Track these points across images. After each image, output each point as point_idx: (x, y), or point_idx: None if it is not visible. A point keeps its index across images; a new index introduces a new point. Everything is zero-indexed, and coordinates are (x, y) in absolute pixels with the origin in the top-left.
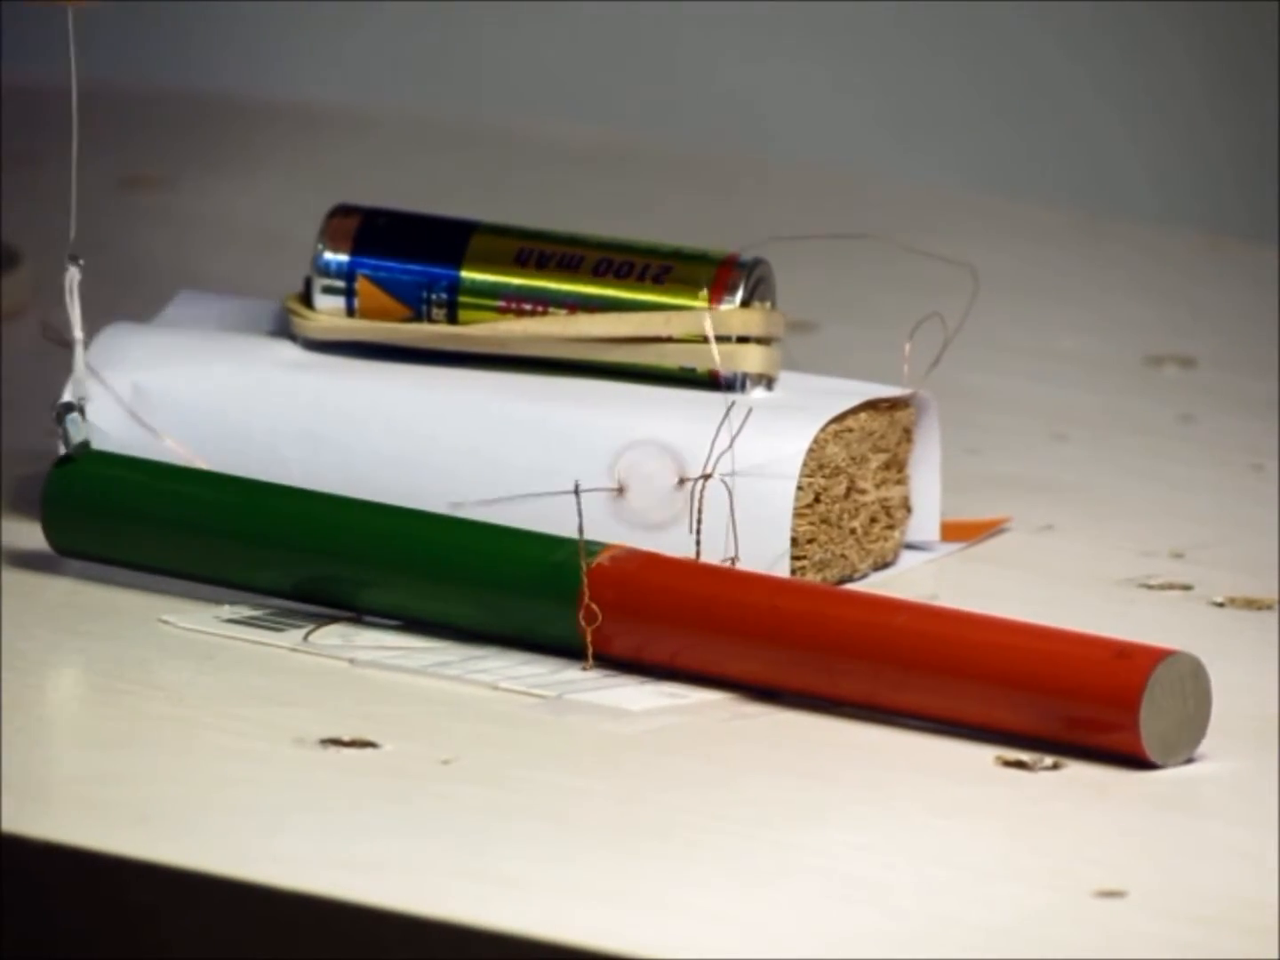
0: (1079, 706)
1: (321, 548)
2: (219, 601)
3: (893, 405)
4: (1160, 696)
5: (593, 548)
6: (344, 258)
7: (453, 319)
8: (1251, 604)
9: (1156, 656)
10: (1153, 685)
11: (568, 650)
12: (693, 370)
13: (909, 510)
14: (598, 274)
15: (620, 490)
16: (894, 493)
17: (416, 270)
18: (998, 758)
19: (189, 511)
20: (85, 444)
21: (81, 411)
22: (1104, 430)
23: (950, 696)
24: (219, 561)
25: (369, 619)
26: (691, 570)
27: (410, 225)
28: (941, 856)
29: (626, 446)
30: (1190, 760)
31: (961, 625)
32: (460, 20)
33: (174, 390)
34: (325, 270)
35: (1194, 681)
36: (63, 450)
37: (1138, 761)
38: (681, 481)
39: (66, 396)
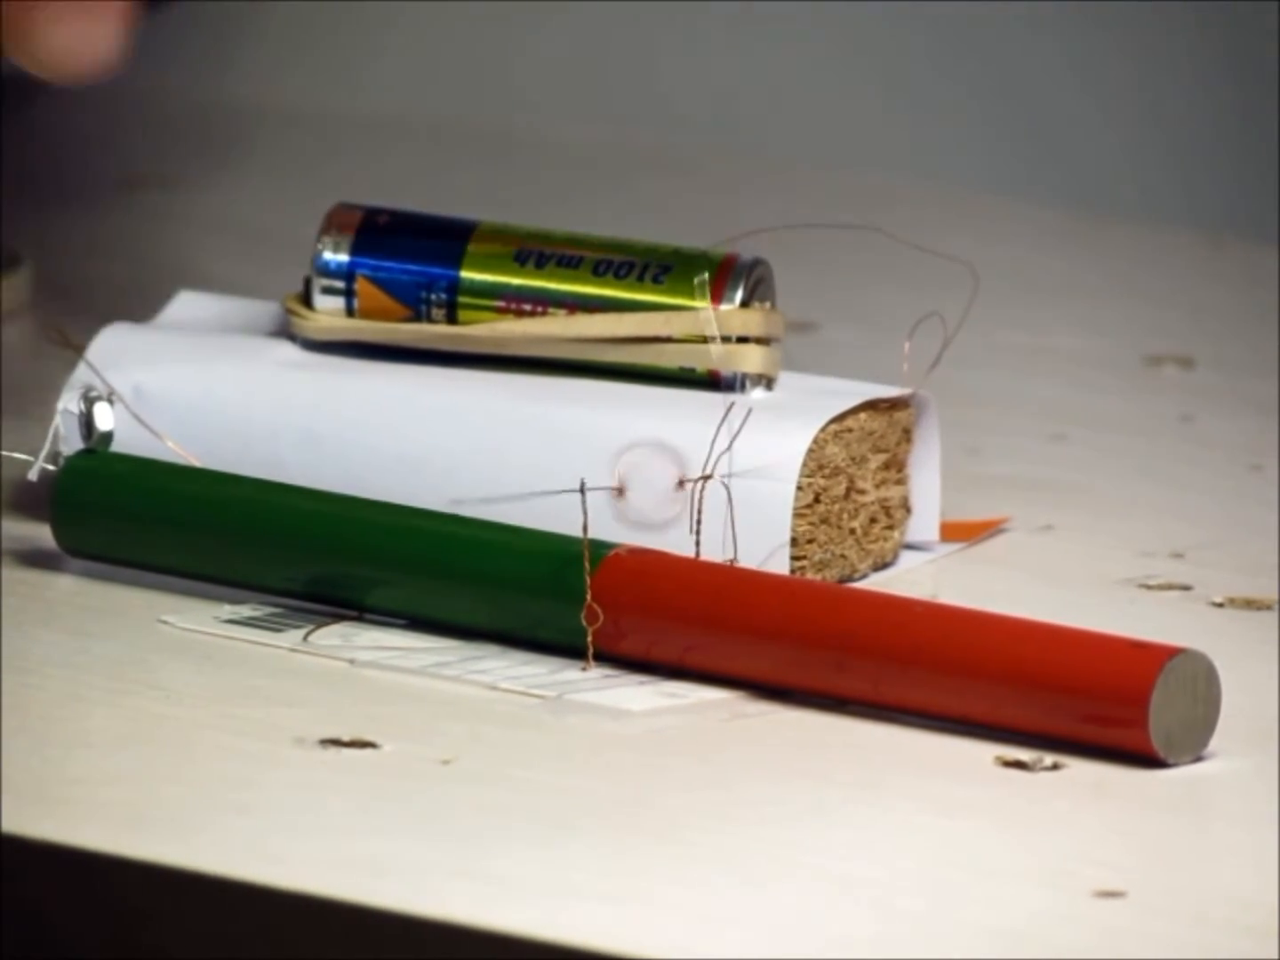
0: (1094, 684)
1: (329, 547)
2: (219, 602)
3: (892, 405)
4: (1173, 686)
5: (599, 547)
6: (344, 257)
7: (452, 319)
8: (1251, 604)
9: (1174, 649)
10: (1168, 673)
11: (576, 650)
12: (692, 370)
13: (908, 510)
14: (597, 274)
15: (620, 490)
16: (893, 493)
17: (416, 270)
18: (997, 757)
19: (200, 512)
20: (109, 436)
21: (109, 401)
22: (1104, 430)
23: (964, 691)
24: (228, 562)
25: (369, 619)
26: (704, 568)
27: (410, 225)
28: (941, 856)
29: (626, 446)
30: (1191, 761)
31: (974, 621)
32: (460, 20)
33: (174, 390)
34: (325, 270)
35: (1206, 686)
36: (82, 443)
37: (1138, 759)
38: (681, 482)
39: (92, 391)
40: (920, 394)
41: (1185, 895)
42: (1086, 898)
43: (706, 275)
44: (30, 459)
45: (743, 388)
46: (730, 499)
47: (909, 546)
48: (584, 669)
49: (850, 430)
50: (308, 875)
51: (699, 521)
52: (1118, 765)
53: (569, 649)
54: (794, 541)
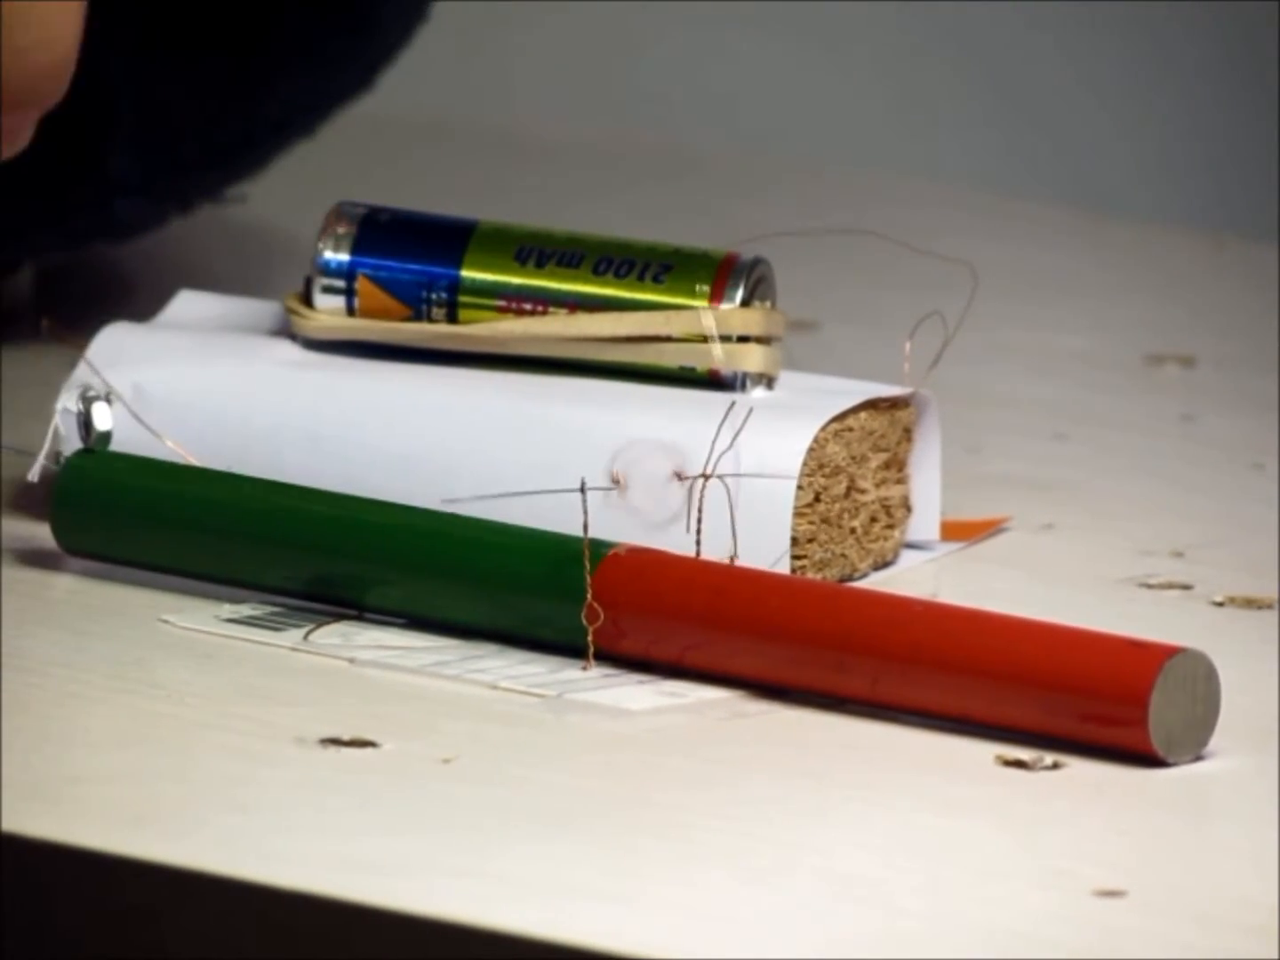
0: (1093, 684)
1: (329, 546)
2: (219, 601)
3: (893, 404)
4: (1173, 685)
5: (599, 546)
6: (344, 257)
7: (453, 318)
8: (1251, 603)
9: (1173, 649)
10: (1167, 672)
11: (576, 649)
12: (693, 370)
13: (909, 509)
14: (597, 273)
15: (620, 489)
16: (894, 492)
17: (416, 269)
18: (998, 757)
19: (201, 511)
20: (108, 436)
21: (108, 401)
22: (1104, 430)
23: (964, 690)
24: (228, 561)
25: (369, 618)
26: (704, 567)
27: (410, 224)
28: (941, 856)
29: (626, 445)
30: (1191, 760)
31: (974, 620)
32: (459, 20)
33: (174, 390)
34: (325, 269)
35: (1205, 685)
36: (81, 442)
37: (1138, 758)
38: (681, 480)
39: (90, 391)
40: (921, 393)
41: (1185, 895)
42: (1086, 897)
43: (707, 287)
44: (30, 455)
45: (743, 387)
46: (731, 498)
47: (909, 545)
48: (584, 668)
49: (851, 429)
50: (307, 874)
51: (699, 520)
52: (1118, 764)
53: (569, 648)
54: (795, 540)
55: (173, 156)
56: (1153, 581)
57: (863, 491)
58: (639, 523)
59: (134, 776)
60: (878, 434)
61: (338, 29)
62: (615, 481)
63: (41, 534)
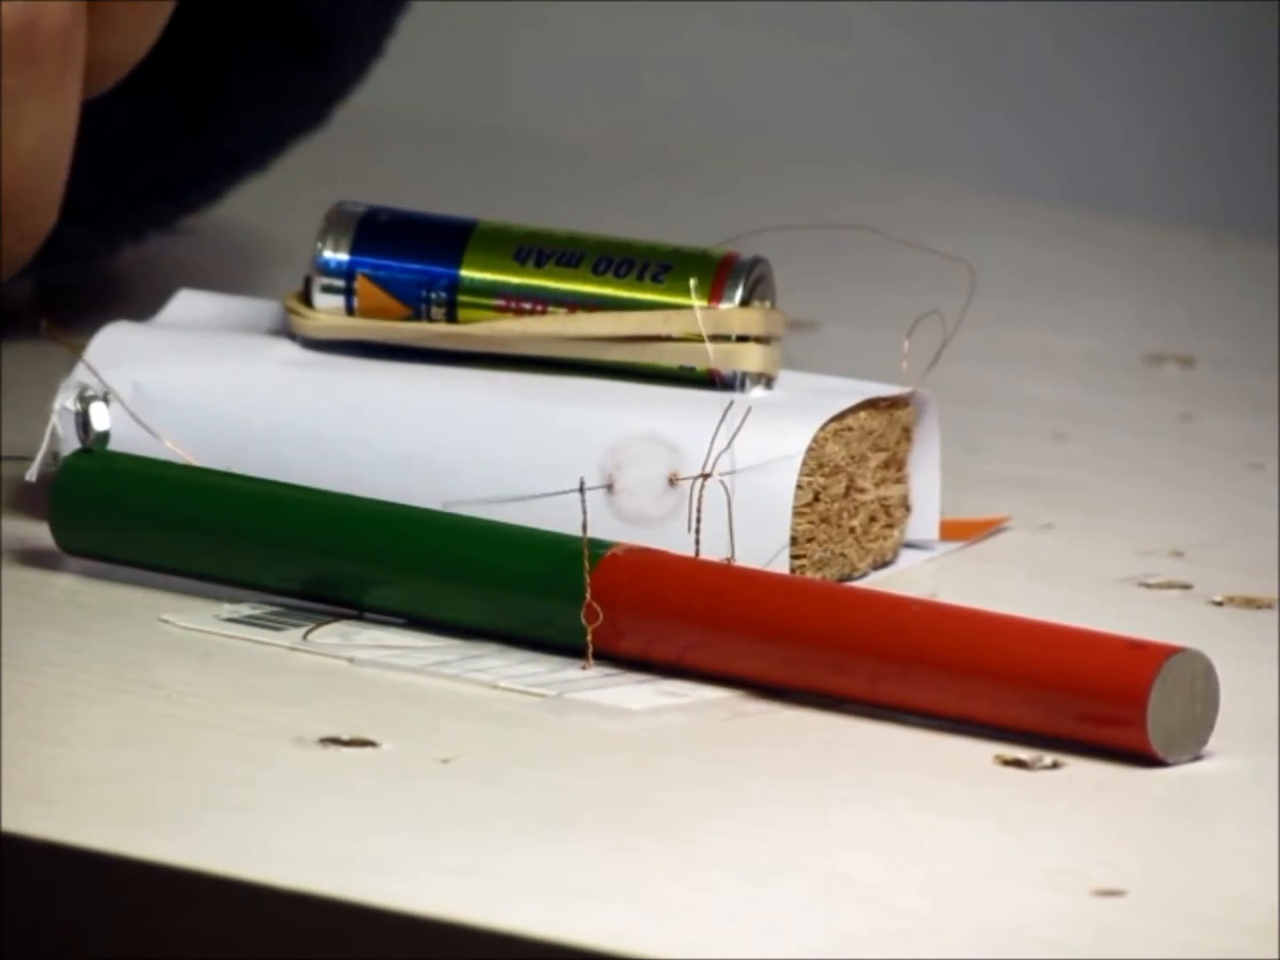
0: (1092, 684)
1: (328, 546)
2: (218, 600)
3: (892, 404)
4: (1171, 685)
5: (598, 546)
6: (343, 256)
7: (452, 318)
8: (1251, 603)
9: (1172, 649)
10: (1165, 672)
11: (575, 649)
12: (692, 369)
13: (908, 509)
14: (597, 273)
15: (617, 488)
16: (893, 491)
17: (416, 269)
18: (997, 756)
19: (200, 511)
20: (105, 436)
21: (105, 401)
22: (1104, 429)
23: (962, 690)
24: (228, 560)
25: (369, 617)
26: (703, 567)
27: (410, 224)
28: (941, 856)
29: (624, 444)
30: (1190, 760)
31: (973, 620)
32: (459, 19)
33: (174, 389)
34: (325, 269)
35: (1204, 685)
36: (79, 442)
37: (1138, 758)
38: (679, 480)
39: (87, 391)
40: (920, 392)
41: (1185, 895)
42: (1086, 897)
43: (698, 280)
44: (29, 459)
45: (743, 386)
46: (730, 497)
47: (909, 545)
48: (583, 668)
49: (850, 429)
50: (307, 874)
51: (698, 520)
52: (1117, 764)
53: (568, 648)
54: (794, 540)
55: (125, 186)
56: (1152, 581)
57: (862, 491)
58: (636, 522)
59: (134, 776)
60: (877, 433)
61: (293, 63)
62: (609, 479)
63: (41, 534)
